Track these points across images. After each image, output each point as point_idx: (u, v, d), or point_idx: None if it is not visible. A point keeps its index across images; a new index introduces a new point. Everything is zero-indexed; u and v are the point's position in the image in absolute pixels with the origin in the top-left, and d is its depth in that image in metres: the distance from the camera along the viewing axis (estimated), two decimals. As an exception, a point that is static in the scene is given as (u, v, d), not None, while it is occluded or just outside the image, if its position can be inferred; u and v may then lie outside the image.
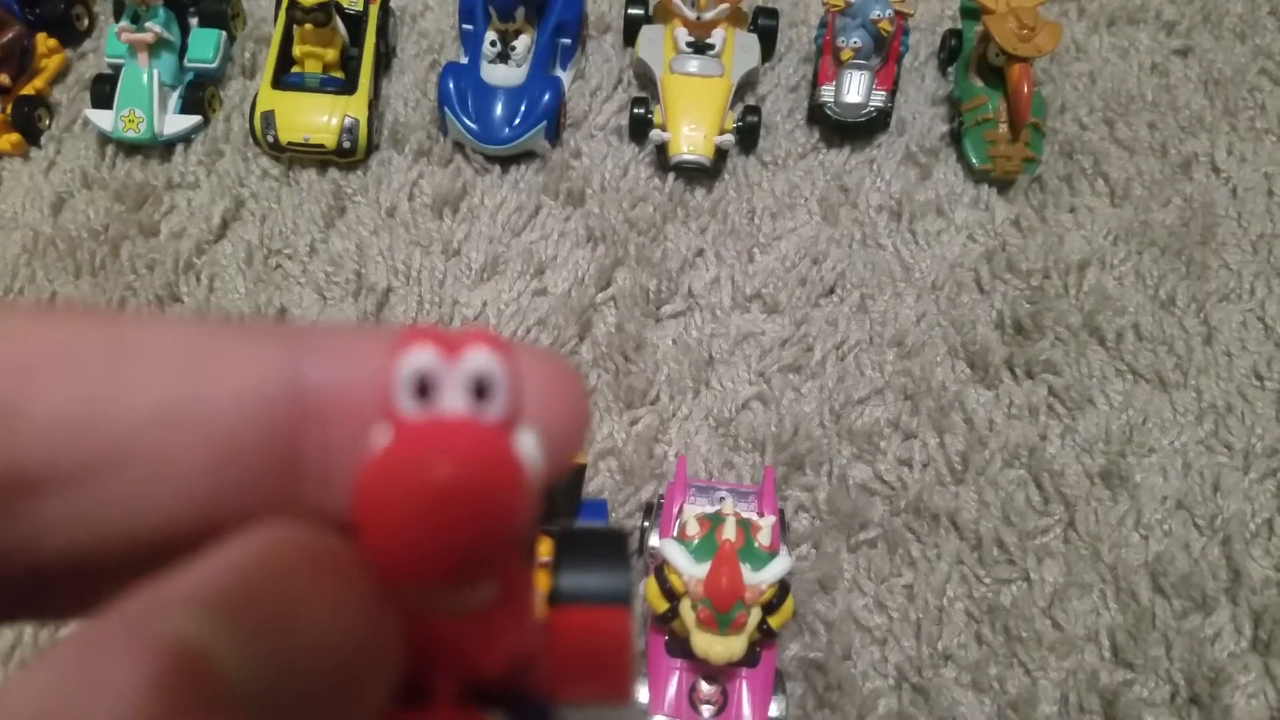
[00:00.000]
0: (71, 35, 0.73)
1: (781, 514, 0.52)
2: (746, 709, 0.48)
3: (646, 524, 0.54)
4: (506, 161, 0.69)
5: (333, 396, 0.13)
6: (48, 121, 0.70)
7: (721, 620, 0.45)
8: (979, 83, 0.70)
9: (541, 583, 0.15)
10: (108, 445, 0.12)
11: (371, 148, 0.69)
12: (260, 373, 0.13)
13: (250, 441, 0.12)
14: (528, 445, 0.12)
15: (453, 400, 0.12)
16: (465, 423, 0.12)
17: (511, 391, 0.12)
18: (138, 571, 0.12)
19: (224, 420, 0.12)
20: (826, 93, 0.69)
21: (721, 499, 0.51)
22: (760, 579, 0.45)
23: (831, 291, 0.65)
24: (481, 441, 0.12)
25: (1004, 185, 0.70)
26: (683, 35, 0.70)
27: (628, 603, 0.15)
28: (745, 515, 0.49)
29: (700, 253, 0.66)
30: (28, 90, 0.69)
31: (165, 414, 0.12)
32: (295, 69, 0.69)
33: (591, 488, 0.57)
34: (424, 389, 0.12)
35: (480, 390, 0.12)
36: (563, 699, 0.15)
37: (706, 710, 0.48)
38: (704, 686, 0.49)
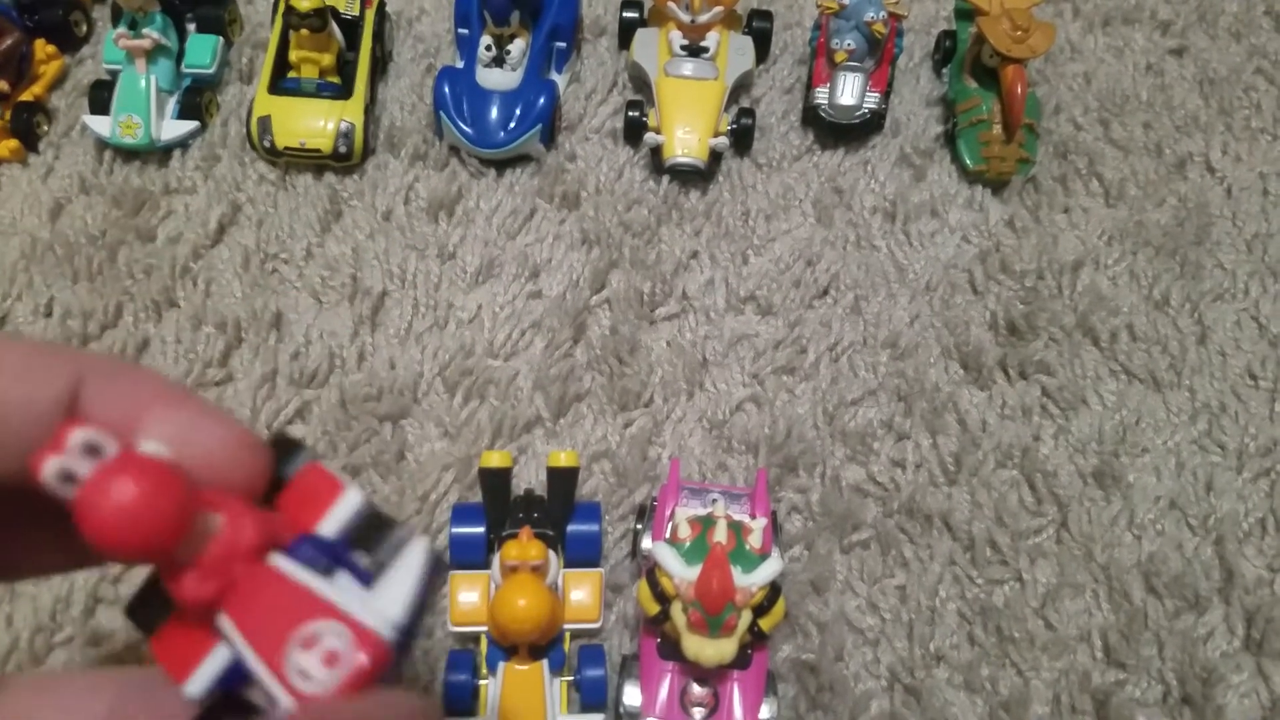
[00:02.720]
0: (70, 41, 0.74)
1: (774, 516, 0.52)
2: (738, 711, 0.48)
3: (639, 526, 0.54)
4: (502, 165, 0.69)
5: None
6: (46, 128, 0.70)
7: (712, 623, 0.45)
8: (973, 84, 0.70)
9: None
10: None
11: (367, 152, 0.69)
12: None
13: None
14: (151, 447, 0.23)
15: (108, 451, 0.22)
16: (121, 459, 0.22)
17: (119, 436, 0.23)
18: None
19: None
20: (821, 95, 0.70)
21: (714, 501, 0.52)
22: (751, 581, 0.45)
23: (825, 293, 0.65)
24: (132, 465, 0.21)
25: (998, 186, 0.70)
26: (677, 38, 0.70)
27: (314, 458, 0.26)
28: (737, 517, 0.49)
29: (694, 255, 0.66)
30: (26, 96, 0.70)
31: None
32: (292, 74, 0.69)
33: (585, 490, 0.57)
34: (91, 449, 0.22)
35: (95, 450, 0.22)
36: (309, 527, 0.25)
37: (698, 713, 0.48)
38: (695, 689, 0.49)
